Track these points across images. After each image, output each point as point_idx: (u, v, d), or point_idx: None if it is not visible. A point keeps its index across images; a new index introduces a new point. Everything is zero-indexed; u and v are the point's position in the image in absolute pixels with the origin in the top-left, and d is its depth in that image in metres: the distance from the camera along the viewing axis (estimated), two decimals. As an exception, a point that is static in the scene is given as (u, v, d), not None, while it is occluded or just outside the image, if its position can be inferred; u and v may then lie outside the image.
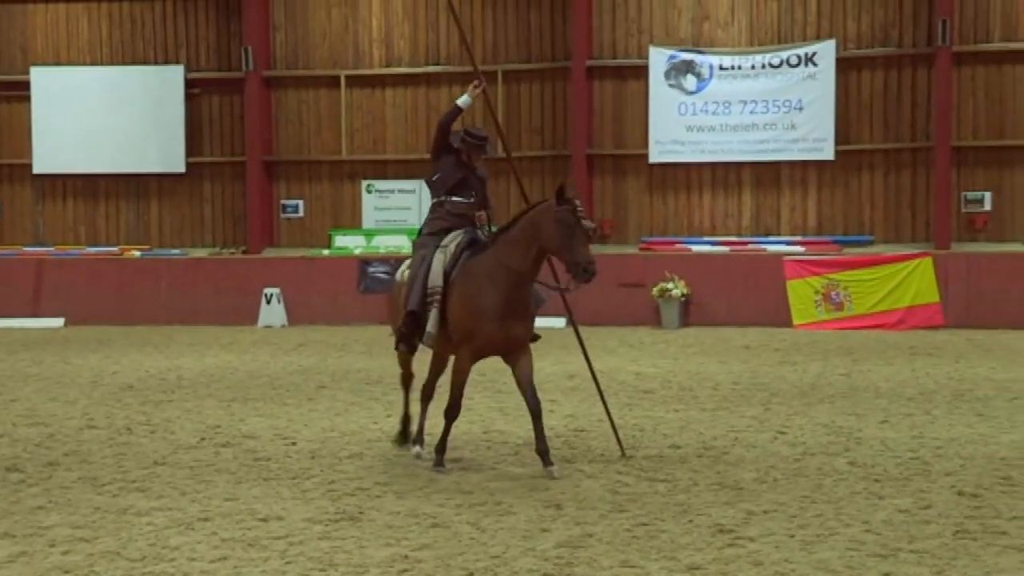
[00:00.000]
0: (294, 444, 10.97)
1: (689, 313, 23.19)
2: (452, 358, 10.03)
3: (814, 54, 24.01)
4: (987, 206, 23.87)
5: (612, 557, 7.07)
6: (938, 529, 7.64)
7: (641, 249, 24.42)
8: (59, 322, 25.06)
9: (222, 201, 27.18)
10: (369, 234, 26.28)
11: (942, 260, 22.52)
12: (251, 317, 24.56)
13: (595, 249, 10.97)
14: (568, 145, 25.06)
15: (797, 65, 24.09)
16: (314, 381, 15.54)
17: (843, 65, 24.11)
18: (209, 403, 13.63)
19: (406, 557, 7.11)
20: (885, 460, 9.88)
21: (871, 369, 16.14)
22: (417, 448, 10.30)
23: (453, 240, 9.80)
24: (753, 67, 24.28)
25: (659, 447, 10.62)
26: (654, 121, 24.74)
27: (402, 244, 25.90)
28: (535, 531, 7.69)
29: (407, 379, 10.66)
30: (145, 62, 27.06)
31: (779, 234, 24.65)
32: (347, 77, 26.40)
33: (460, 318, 9.48)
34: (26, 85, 27.02)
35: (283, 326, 24.34)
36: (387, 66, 26.38)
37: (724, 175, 24.89)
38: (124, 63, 27.06)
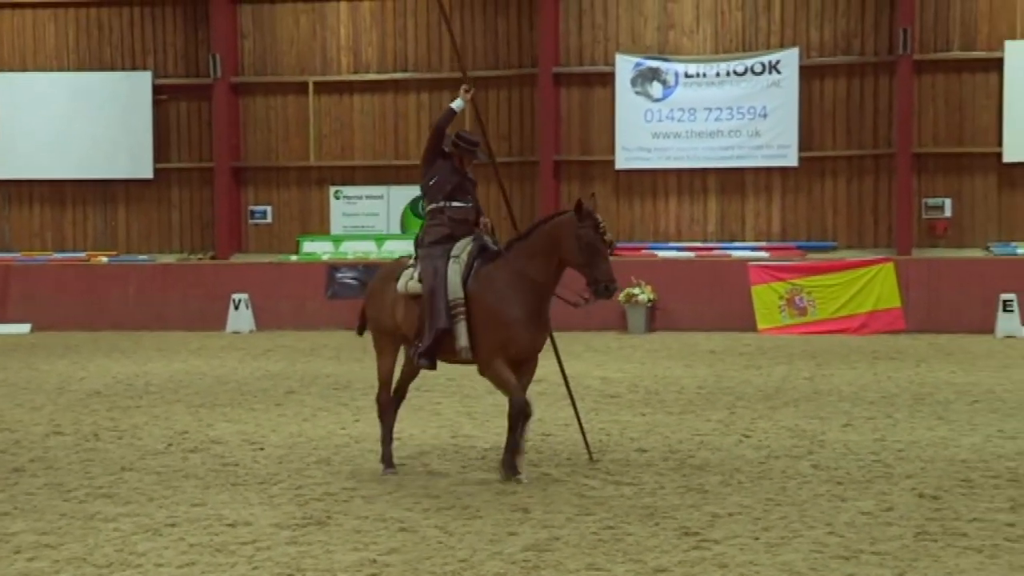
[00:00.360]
0: (262, 449, 10.97)
1: (655, 318, 23.32)
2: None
3: (778, 62, 24.23)
4: (947, 212, 24.15)
5: (579, 560, 7.12)
6: (900, 531, 7.72)
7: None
8: (25, 328, 24.90)
9: (190, 207, 27.11)
10: (337, 240, 26.28)
11: (903, 265, 22.75)
12: (219, 322, 24.50)
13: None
14: (535, 151, 25.17)
15: (761, 73, 24.30)
16: (282, 386, 15.54)
17: (806, 73, 24.33)
18: (177, 409, 13.62)
19: (374, 561, 7.14)
20: (848, 463, 9.99)
21: (834, 373, 16.29)
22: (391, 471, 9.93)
23: (464, 249, 9.59)
24: (718, 74, 24.47)
25: (625, 451, 10.68)
26: (620, 128, 24.88)
27: (370, 250, 25.94)
28: (502, 535, 7.73)
29: (389, 399, 10.13)
30: (112, 68, 26.95)
31: (744, 240, 24.84)
32: (315, 83, 26.40)
33: (492, 329, 9.32)
34: (-8, 91, 26.89)
35: (251, 331, 24.30)
36: (355, 73, 26.40)
37: (689, 181, 25.06)
38: (91, 69, 26.95)
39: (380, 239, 26.11)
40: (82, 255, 26.78)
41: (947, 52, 24.02)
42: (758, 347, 20.03)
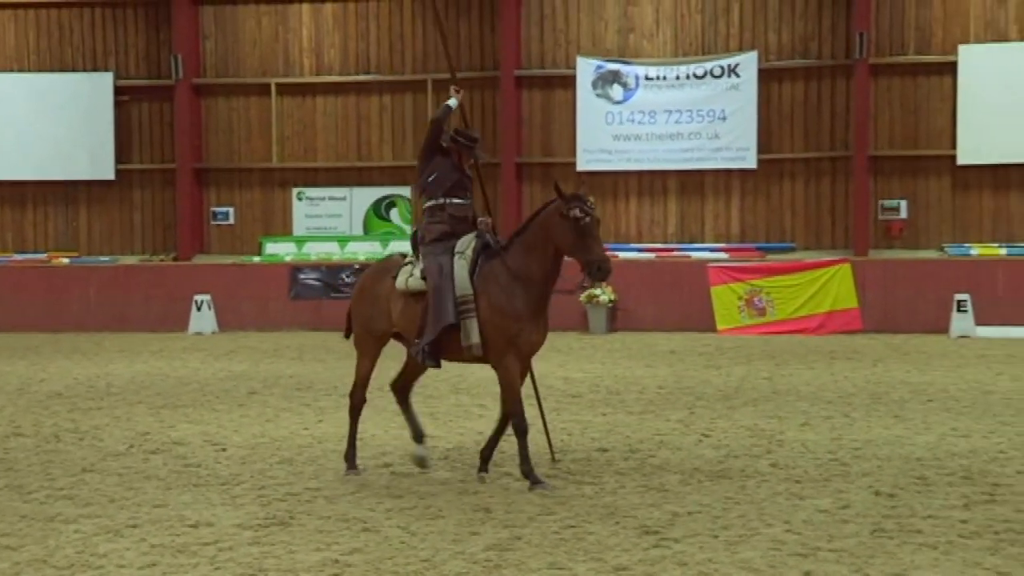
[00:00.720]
0: (224, 450, 10.95)
1: (616, 319, 23.46)
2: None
3: (737, 65, 24.43)
4: (903, 214, 24.44)
5: (540, 559, 7.16)
6: (856, 528, 7.79)
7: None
8: (-16, 330, 24.77)
9: (152, 208, 27.00)
10: (300, 241, 26.26)
11: (860, 266, 23.00)
12: (181, 324, 24.42)
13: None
14: (497, 153, 25.22)
15: (720, 76, 24.50)
16: (245, 387, 15.51)
17: (765, 76, 24.55)
18: (139, 410, 13.56)
19: (336, 561, 7.15)
20: (805, 461, 10.08)
21: (792, 373, 16.43)
22: (423, 450, 9.88)
23: (468, 245, 9.40)
24: (678, 77, 24.65)
25: (586, 450, 10.74)
26: (581, 130, 25.02)
27: (332, 251, 25.93)
28: (464, 534, 7.76)
29: (363, 399, 10.07)
30: (73, 69, 26.81)
31: (703, 241, 25.02)
32: (278, 85, 26.37)
33: (500, 325, 9.17)
34: (-49, 92, 26.68)
35: (213, 332, 24.24)
36: (317, 75, 26.38)
37: (650, 183, 25.22)
38: (52, 70, 26.80)
39: (343, 240, 26.11)
40: (43, 256, 26.63)
41: (903, 56, 24.31)
42: (717, 347, 20.18)
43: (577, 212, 9.10)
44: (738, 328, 22.64)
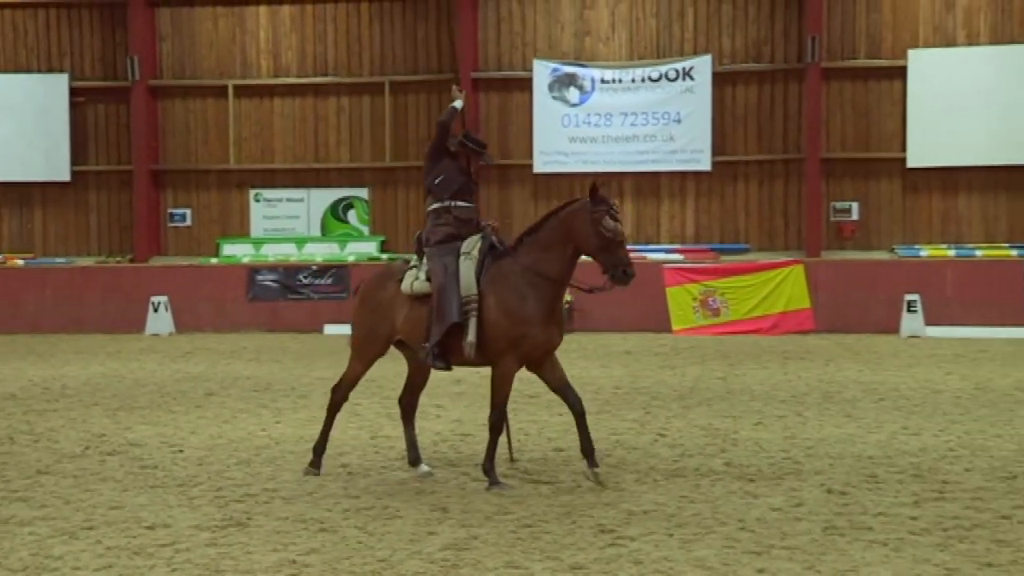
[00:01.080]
0: (181, 451, 10.91)
1: (572, 319, 23.53)
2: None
3: (691, 69, 24.64)
4: (854, 215, 24.74)
5: (497, 558, 7.20)
6: (809, 526, 7.89)
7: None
8: (-63, 332, 24.54)
9: (108, 210, 26.85)
10: (257, 242, 26.19)
11: (813, 267, 23.26)
12: (138, 325, 24.30)
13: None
14: (454, 155, 25.23)
15: (675, 79, 24.69)
16: (202, 388, 15.47)
17: (719, 79, 24.78)
18: (95, 412, 13.49)
19: (293, 562, 7.16)
20: (759, 460, 10.19)
21: (746, 373, 16.58)
22: (424, 467, 9.81)
23: (474, 246, 9.34)
24: (633, 80, 24.82)
25: (543, 450, 10.79)
26: (538, 132, 25.13)
27: (290, 252, 25.88)
28: (421, 534, 7.79)
29: (345, 397, 10.07)
30: (28, 70, 26.62)
31: (659, 242, 25.20)
32: (235, 87, 26.30)
33: (505, 326, 9.08)
34: (-96, 92, 26.39)
35: (170, 334, 24.14)
36: (275, 76, 26.33)
37: (606, 185, 25.31)
38: (6, 71, 26.60)
39: (300, 241, 26.08)
40: (-2, 258, 26.42)
41: (854, 60, 24.61)
42: (673, 347, 20.33)
43: (608, 223, 9.05)
44: (693, 328, 22.82)
